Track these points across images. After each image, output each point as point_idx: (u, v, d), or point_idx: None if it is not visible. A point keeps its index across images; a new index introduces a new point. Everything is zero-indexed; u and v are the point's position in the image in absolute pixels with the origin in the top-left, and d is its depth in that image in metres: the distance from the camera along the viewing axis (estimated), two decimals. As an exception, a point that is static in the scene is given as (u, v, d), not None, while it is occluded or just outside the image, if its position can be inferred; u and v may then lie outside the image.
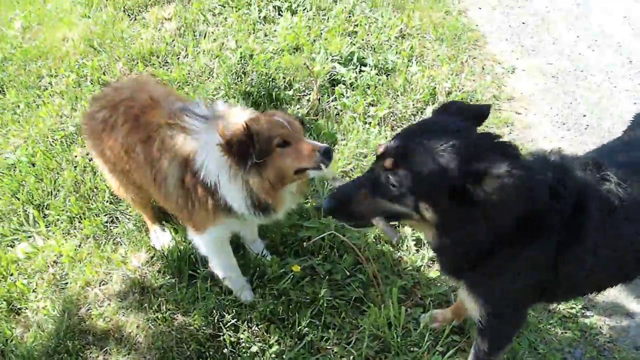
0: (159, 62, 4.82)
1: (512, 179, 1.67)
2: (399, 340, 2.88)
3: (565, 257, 2.06)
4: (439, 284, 3.25)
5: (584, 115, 4.61)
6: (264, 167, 2.45)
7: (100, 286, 3.30)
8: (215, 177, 2.53)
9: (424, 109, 4.48)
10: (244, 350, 2.90)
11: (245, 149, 2.41)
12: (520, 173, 1.69)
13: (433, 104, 4.50)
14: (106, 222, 3.62)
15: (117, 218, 3.66)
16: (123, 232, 3.54)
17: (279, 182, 2.52)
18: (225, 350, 2.87)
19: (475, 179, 1.71)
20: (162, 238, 3.43)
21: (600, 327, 3.17)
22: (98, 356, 2.96)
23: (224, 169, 2.50)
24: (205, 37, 5.01)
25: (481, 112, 2.05)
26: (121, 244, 3.51)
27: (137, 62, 4.80)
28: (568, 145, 4.31)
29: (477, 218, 1.84)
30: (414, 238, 3.44)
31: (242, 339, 2.94)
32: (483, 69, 4.98)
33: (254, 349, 2.89)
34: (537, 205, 1.92)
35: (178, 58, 4.84)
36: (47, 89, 4.72)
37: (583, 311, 3.24)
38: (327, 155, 2.46)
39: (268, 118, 2.52)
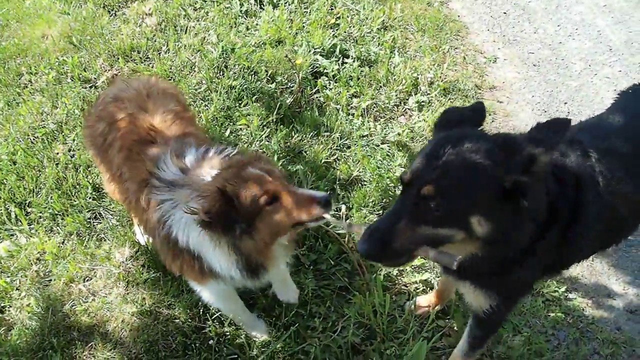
0: (140, 58, 4.78)
1: (549, 156, 1.68)
2: (384, 327, 2.89)
3: (571, 236, 2.09)
4: (422, 271, 3.27)
5: (565, 103, 4.65)
6: (254, 229, 2.17)
7: (84, 282, 3.28)
8: (199, 247, 2.30)
9: (407, 99, 4.50)
10: (229, 342, 2.90)
11: (228, 217, 2.12)
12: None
13: (416, 94, 4.52)
14: (89, 219, 3.60)
15: (100, 214, 3.63)
16: (106, 228, 3.51)
17: (273, 239, 2.29)
18: (211, 342, 2.87)
19: (524, 168, 1.68)
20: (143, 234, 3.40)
21: (583, 309, 3.22)
22: (83, 351, 2.94)
23: (207, 239, 2.24)
24: (186, 31, 4.98)
25: (479, 112, 2.00)
26: (105, 240, 3.48)
27: (118, 58, 4.75)
28: (549, 132, 4.34)
29: (524, 218, 1.81)
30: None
31: (227, 331, 2.94)
32: (465, 58, 5.00)
33: (240, 340, 2.89)
34: (550, 192, 1.93)
35: (159, 53, 4.81)
36: (27, 87, 4.66)
37: (566, 294, 3.28)
38: (327, 206, 2.19)
39: (243, 173, 2.19)
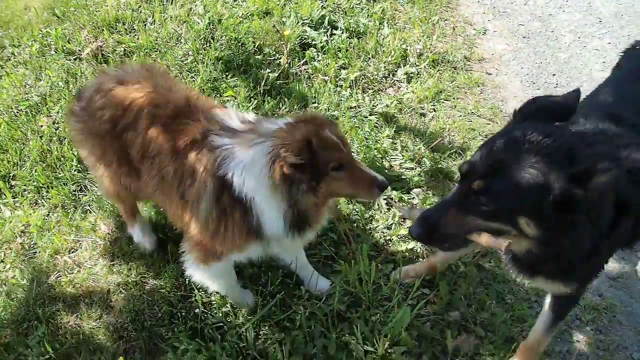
0: (125, 29, 4.70)
1: (614, 172, 1.62)
2: (369, 295, 2.91)
3: None
4: (408, 241, 3.28)
5: (554, 75, 4.64)
6: (316, 187, 2.27)
7: (69, 254, 3.26)
8: (252, 194, 2.30)
9: (395, 71, 4.46)
10: (215, 310, 2.90)
11: (314, 167, 2.21)
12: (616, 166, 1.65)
13: (404, 65, 4.49)
14: (74, 191, 3.57)
15: (85, 186, 3.60)
16: (92, 200, 3.48)
17: (326, 201, 2.44)
18: (197, 311, 2.87)
19: (580, 182, 1.63)
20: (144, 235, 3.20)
21: (567, 277, 3.24)
22: (69, 322, 2.94)
23: (263, 185, 2.26)
24: (172, 2, 4.90)
25: (567, 107, 1.91)
26: (90, 212, 3.46)
27: (103, 30, 4.67)
28: (538, 104, 4.34)
29: (582, 222, 1.77)
30: (384, 197, 3.46)
31: (213, 300, 2.94)
32: (454, 30, 4.96)
33: (225, 309, 2.90)
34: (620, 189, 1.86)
35: (145, 24, 4.73)
36: (9, 60, 4.58)
37: (550, 263, 3.30)
38: (383, 189, 2.39)
39: (322, 134, 2.26)
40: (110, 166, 2.75)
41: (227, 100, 4.06)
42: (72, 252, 3.28)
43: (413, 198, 3.51)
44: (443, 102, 4.25)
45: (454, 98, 4.30)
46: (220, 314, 2.89)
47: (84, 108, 2.68)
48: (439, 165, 3.72)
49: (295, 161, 2.16)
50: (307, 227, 2.42)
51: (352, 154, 2.44)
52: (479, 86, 4.46)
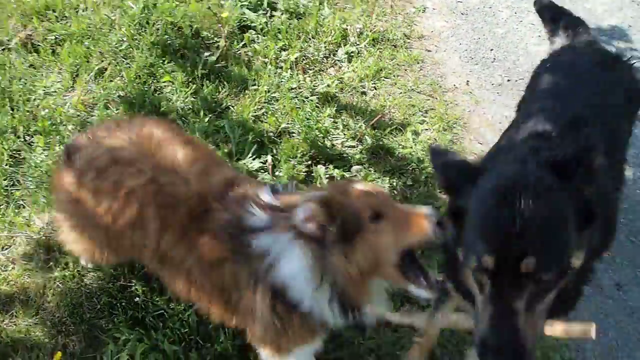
0: (56, 17, 4.51)
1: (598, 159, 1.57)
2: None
3: None
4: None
5: (491, 50, 4.73)
6: (352, 248, 1.89)
7: (2, 251, 3.14)
8: (301, 294, 2.01)
9: (336, 51, 4.45)
10: (156, 298, 2.86)
11: (345, 223, 1.87)
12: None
13: (345, 45, 4.48)
14: (6, 186, 3.42)
15: (18, 181, 3.46)
16: (25, 195, 3.35)
17: (373, 269, 1.94)
18: (137, 300, 2.83)
19: (587, 182, 1.59)
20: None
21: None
22: (4, 320, 2.84)
23: (306, 279, 1.97)
24: (104, -13, 4.72)
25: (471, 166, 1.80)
26: (24, 207, 3.33)
27: (32, 18, 4.47)
28: (476, 79, 4.44)
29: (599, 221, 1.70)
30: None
31: (155, 286, 2.90)
32: (392, 8, 4.98)
33: (166, 296, 2.86)
34: None
35: (77, 11, 4.56)
36: None
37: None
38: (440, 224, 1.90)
39: (349, 187, 2.00)
40: (102, 249, 2.55)
41: (165, 85, 3.97)
42: (6, 249, 3.15)
43: (355, 175, 3.55)
44: (383, 80, 4.28)
45: (394, 76, 4.34)
46: (162, 302, 2.85)
47: (78, 178, 2.27)
48: (380, 142, 3.76)
49: (314, 230, 1.89)
50: (356, 311, 2.02)
51: (393, 201, 2.06)
52: (418, 63, 4.50)
